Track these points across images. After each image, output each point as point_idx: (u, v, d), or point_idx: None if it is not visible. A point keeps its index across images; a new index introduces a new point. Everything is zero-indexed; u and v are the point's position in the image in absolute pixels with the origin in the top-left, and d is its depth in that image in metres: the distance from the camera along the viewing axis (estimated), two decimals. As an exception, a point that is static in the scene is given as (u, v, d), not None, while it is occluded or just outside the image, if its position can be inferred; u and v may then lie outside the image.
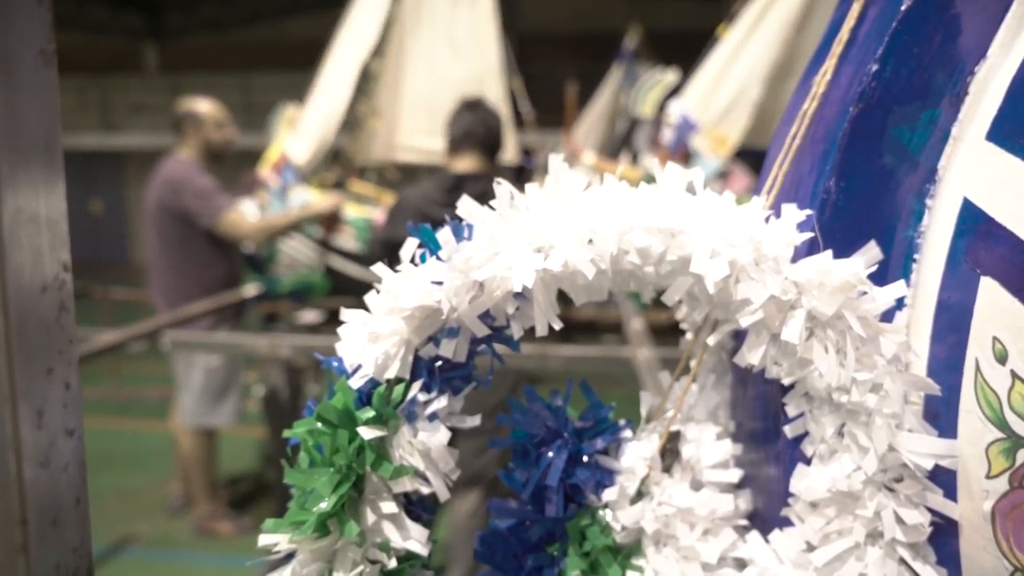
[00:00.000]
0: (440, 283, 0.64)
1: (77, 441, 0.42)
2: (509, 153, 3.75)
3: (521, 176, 4.52)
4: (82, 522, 0.44)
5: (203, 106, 3.58)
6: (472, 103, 2.71)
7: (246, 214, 3.52)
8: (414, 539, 0.65)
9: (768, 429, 0.74)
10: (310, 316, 3.60)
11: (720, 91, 3.87)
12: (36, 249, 0.40)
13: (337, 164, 4.26)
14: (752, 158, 4.01)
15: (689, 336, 0.88)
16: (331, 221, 3.65)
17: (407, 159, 4.11)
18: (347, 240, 3.70)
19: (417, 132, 3.40)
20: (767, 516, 0.76)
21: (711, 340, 0.68)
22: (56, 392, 0.41)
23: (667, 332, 3.11)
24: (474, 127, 2.58)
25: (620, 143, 4.82)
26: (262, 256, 3.60)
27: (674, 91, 4.26)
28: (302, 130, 3.89)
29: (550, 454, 0.69)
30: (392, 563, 0.64)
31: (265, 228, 3.48)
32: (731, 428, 0.82)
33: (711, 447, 0.73)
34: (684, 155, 3.88)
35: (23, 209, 0.39)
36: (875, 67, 0.64)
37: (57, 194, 0.41)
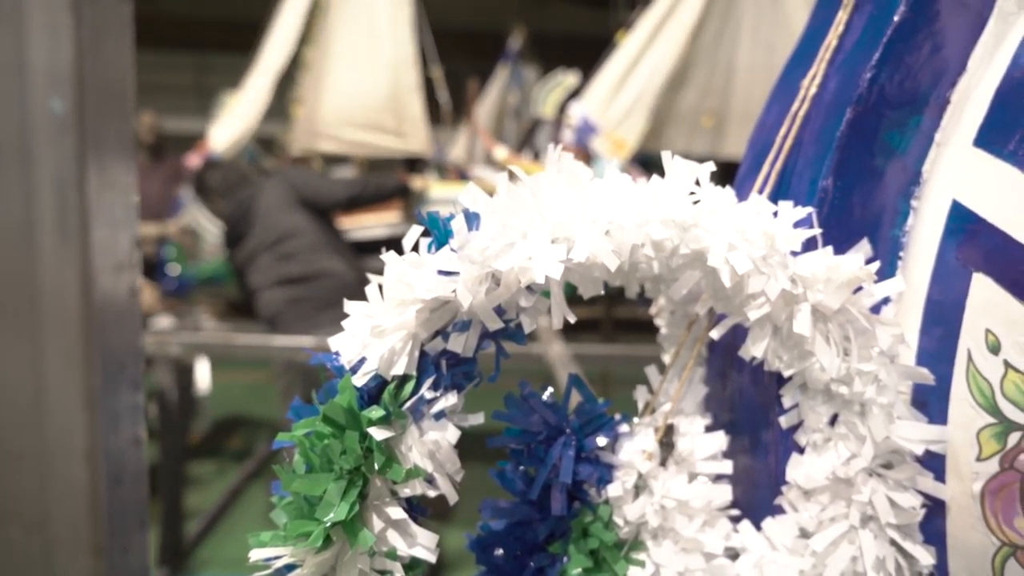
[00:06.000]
0: (451, 274, 0.61)
1: (142, 452, 0.35)
2: (422, 144, 3.67)
3: (414, 168, 4.45)
4: (144, 550, 0.36)
5: None
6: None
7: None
8: (420, 545, 0.61)
9: (754, 420, 0.76)
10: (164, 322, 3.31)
11: (620, 96, 3.98)
12: (112, 220, 0.33)
13: (269, 153, 4.08)
14: (643, 164, 4.15)
15: (665, 331, 0.89)
16: None
17: (329, 148, 3.94)
18: None
19: (339, 122, 3.28)
20: (746, 505, 0.78)
21: (715, 334, 0.69)
22: (127, 394, 0.34)
23: (578, 328, 3.17)
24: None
25: (522, 142, 4.85)
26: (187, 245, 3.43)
27: (574, 93, 4.33)
28: (228, 117, 3.69)
29: (555, 452, 0.67)
30: (400, 573, 0.60)
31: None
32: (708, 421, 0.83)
33: (704, 439, 0.74)
34: (584, 157, 3.97)
35: (107, 170, 0.31)
36: (870, 73, 0.67)
37: (127, 151, 0.33)
